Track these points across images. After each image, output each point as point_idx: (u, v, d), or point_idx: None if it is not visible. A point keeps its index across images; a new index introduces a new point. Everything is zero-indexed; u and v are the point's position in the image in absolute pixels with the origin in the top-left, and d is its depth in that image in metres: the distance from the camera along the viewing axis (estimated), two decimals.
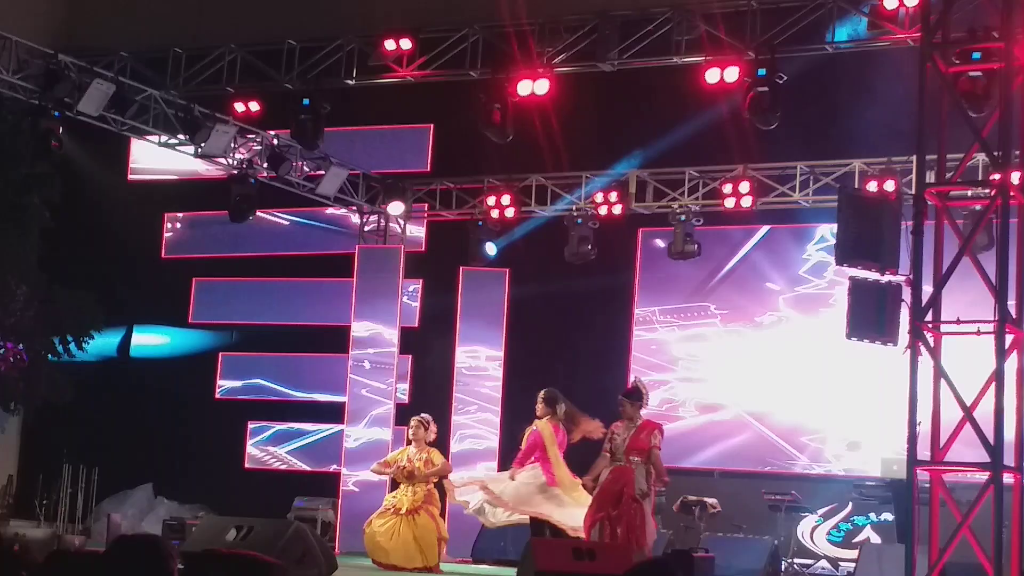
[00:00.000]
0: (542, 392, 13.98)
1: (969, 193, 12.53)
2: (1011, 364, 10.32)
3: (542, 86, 14.98)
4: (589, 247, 17.83)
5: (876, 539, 16.44)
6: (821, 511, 17.15)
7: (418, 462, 14.56)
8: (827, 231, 17.42)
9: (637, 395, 12.75)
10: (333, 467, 19.17)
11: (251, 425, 20.65)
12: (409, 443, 14.83)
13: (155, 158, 19.11)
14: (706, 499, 15.80)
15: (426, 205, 19.43)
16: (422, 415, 15.00)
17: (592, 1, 14.60)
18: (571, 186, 18.29)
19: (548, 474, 13.60)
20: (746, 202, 17.12)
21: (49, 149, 15.28)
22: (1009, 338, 10.23)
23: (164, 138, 16.83)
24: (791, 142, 16.47)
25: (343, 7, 16.39)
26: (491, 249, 18.57)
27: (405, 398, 19.20)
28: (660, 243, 18.37)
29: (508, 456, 15.42)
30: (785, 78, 13.77)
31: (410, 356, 19.51)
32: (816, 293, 18.05)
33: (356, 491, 18.44)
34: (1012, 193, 10.44)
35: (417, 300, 19.84)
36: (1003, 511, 10.15)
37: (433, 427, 14.91)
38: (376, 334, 18.95)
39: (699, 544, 14.89)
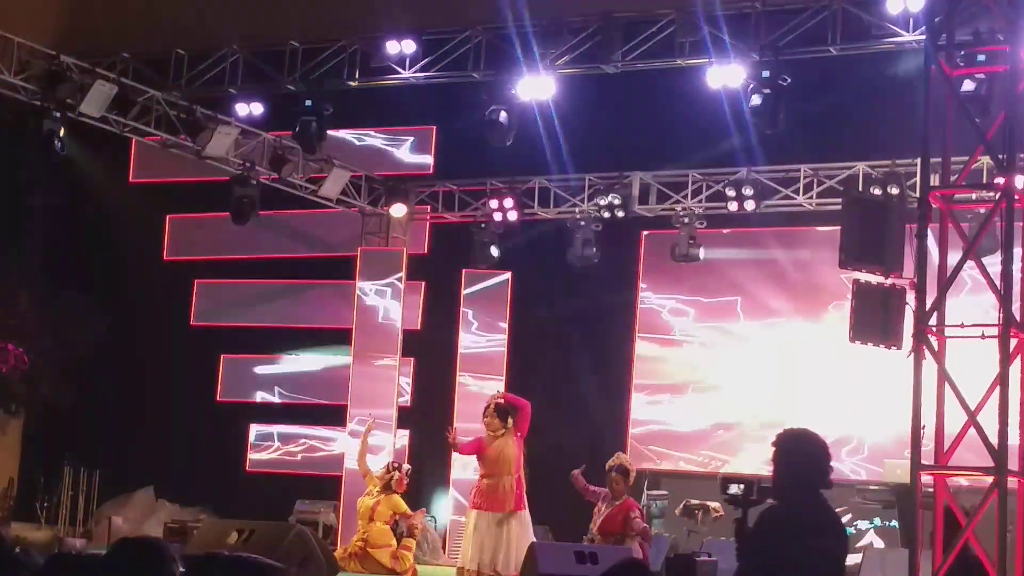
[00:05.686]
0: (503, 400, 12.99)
1: (974, 196, 12.47)
2: (1015, 368, 10.27)
3: (545, 88, 14.94)
4: (592, 250, 17.77)
5: (879, 544, 16.39)
6: None
7: (371, 499, 14.45)
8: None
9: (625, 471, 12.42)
10: (334, 470, 19.11)
11: (253, 428, 20.60)
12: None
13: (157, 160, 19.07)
14: (709, 503, 15.75)
15: (428, 207, 19.39)
16: (400, 465, 14.86)
17: (595, 3, 14.54)
18: (574, 189, 18.24)
19: (520, 496, 12.40)
20: (749, 205, 17.06)
21: (51, 151, 15.21)
22: (1013, 342, 10.18)
23: (166, 139, 16.79)
24: (795, 145, 16.42)
25: (345, 8, 16.32)
26: None
27: (407, 401, 19.15)
28: (663, 246, 18.33)
29: None
30: (789, 80, 13.73)
31: (412, 359, 19.45)
32: (819, 296, 18.02)
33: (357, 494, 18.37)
34: (1017, 196, 10.38)
35: (419, 303, 19.78)
36: (1007, 516, 10.10)
37: (401, 477, 14.56)
38: (378, 336, 18.88)
39: (702, 548, 14.83)
